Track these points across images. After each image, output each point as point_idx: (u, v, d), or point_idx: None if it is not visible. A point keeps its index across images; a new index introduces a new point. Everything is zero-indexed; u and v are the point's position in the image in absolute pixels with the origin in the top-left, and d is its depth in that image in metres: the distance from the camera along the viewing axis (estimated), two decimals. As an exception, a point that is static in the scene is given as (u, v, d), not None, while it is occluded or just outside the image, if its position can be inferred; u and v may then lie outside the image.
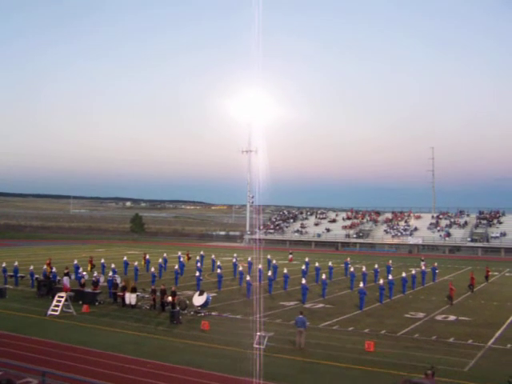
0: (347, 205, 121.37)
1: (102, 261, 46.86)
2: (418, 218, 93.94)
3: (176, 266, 43.98)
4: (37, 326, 26.06)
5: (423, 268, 46.17)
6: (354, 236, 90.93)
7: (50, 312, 28.80)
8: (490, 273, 47.44)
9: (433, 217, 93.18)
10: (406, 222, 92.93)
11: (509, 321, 29.60)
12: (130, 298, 31.37)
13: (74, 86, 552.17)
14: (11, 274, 40.00)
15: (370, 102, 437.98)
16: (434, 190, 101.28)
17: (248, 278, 37.01)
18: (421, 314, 30.87)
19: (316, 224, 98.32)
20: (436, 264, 48.63)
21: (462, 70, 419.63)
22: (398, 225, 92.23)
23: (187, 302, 30.28)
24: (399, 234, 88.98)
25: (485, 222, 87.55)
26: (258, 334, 22.93)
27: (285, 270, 41.46)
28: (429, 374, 14.74)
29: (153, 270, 42.14)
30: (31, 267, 40.35)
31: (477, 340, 24.55)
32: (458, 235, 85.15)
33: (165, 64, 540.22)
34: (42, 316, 28.53)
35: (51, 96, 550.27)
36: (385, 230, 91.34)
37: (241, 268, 43.39)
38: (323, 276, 38.54)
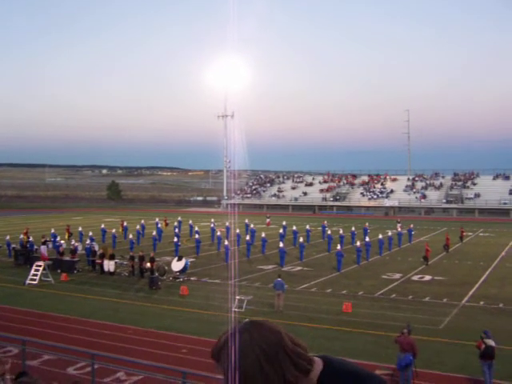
0: (324, 168, 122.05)
1: (80, 229, 46.54)
2: (394, 180, 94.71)
3: (154, 233, 43.91)
4: (15, 296, 25.92)
5: (399, 230, 46.77)
6: (331, 199, 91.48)
7: (28, 281, 28.63)
8: (464, 233, 48.23)
9: (408, 179, 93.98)
10: (382, 184, 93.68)
11: (482, 279, 30.30)
12: (109, 265, 31.31)
13: (51, 56, 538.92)
14: (-13, 244, 39.56)
15: (345, 65, 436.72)
16: (409, 152, 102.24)
17: (226, 242, 37.11)
18: (397, 275, 31.39)
19: (293, 188, 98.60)
20: (412, 225, 49.23)
21: (437, 35, 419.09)
22: (374, 187, 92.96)
23: (166, 267, 30.36)
24: (375, 196, 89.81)
25: (460, 183, 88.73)
26: (237, 297, 23.15)
27: (262, 234, 41.64)
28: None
29: (131, 236, 41.97)
30: (7, 237, 39.85)
31: (451, 299, 25.13)
32: (434, 197, 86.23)
33: (145, 35, 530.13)
34: (20, 285, 28.36)
35: (31, 65, 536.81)
36: (361, 193, 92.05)
37: (219, 233, 43.50)
38: (301, 239, 38.86)
